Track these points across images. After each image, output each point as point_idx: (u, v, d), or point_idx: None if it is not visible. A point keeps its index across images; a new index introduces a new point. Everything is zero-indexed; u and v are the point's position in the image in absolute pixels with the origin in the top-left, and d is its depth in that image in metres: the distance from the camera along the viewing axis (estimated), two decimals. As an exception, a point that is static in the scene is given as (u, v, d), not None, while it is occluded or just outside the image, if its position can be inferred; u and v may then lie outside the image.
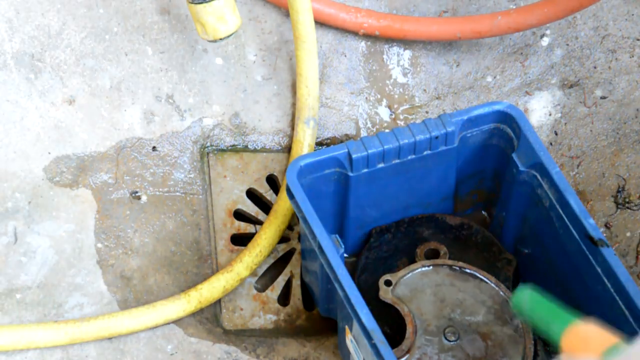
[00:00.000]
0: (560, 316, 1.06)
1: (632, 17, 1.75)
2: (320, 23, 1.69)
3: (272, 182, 1.66)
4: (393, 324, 1.40)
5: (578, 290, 1.42)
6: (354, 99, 1.71)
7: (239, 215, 1.64)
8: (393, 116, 1.71)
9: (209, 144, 1.66)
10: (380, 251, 1.52)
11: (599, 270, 1.34)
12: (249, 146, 1.67)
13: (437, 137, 1.41)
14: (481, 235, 1.53)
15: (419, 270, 1.44)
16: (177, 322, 1.51)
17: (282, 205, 1.58)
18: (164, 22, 1.65)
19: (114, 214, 1.56)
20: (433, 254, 1.48)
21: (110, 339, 1.47)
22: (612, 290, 1.33)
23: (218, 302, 1.56)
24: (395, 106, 1.72)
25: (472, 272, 1.44)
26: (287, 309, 1.59)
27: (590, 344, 1.01)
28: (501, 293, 1.42)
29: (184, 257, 1.57)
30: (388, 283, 1.42)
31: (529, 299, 1.12)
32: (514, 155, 1.43)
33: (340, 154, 1.41)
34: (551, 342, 1.07)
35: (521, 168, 1.43)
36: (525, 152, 1.42)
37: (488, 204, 1.58)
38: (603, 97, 1.71)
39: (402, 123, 1.69)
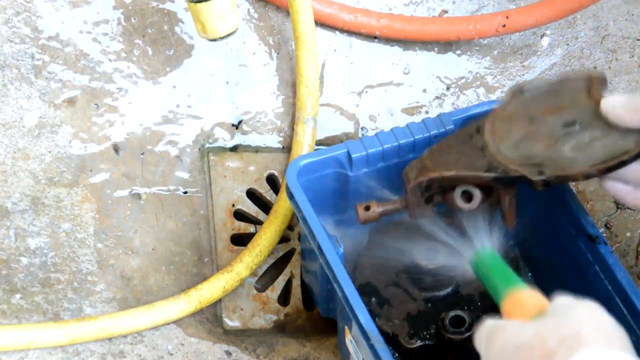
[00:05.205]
0: (507, 281, 1.10)
1: (632, 17, 1.75)
2: (320, 23, 1.69)
3: (272, 182, 1.66)
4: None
5: (578, 289, 1.41)
6: (354, 99, 1.71)
7: (239, 215, 1.63)
8: (393, 116, 1.71)
9: (209, 143, 1.66)
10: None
11: (596, 268, 1.34)
12: (249, 146, 1.67)
13: (436, 137, 1.41)
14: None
15: None
16: (177, 322, 1.51)
17: (282, 205, 1.58)
18: (164, 22, 1.65)
19: (114, 214, 1.56)
20: None
21: (110, 339, 1.47)
22: (609, 287, 1.33)
23: (218, 302, 1.56)
24: (396, 106, 1.72)
25: None
26: (287, 309, 1.59)
27: (524, 309, 1.05)
28: None
29: (184, 257, 1.57)
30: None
31: (487, 260, 1.16)
32: (513, 154, 1.43)
33: (340, 153, 1.40)
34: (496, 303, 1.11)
35: (520, 167, 1.42)
36: (525, 151, 1.41)
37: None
38: (603, 98, 1.71)
39: (402, 123, 1.69)
